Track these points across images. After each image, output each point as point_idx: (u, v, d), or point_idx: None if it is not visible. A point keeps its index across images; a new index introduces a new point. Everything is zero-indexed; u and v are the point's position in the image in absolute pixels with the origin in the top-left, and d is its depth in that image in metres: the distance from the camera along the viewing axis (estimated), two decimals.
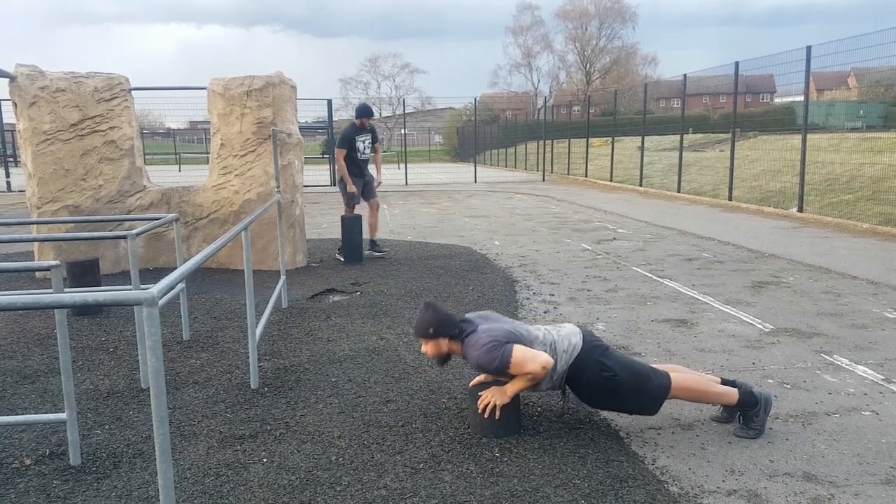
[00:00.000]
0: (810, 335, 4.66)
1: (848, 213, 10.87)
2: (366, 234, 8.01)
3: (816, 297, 5.74)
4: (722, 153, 18.96)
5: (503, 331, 3.08)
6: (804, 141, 11.56)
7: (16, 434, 3.21)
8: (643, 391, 3.07)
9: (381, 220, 11.83)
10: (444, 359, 3.22)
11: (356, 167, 7.88)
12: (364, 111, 7.89)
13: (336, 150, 7.88)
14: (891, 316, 5.12)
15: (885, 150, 13.07)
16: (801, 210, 11.54)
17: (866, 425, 3.20)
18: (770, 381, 3.79)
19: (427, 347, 3.19)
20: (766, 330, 4.81)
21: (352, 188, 7.84)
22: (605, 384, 3.06)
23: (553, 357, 3.07)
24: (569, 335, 3.16)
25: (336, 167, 7.72)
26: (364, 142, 7.83)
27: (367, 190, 8.05)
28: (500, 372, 3.05)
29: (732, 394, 3.10)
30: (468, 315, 3.31)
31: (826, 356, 4.21)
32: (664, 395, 3.09)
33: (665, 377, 3.10)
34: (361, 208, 8.05)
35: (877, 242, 8.69)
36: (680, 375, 3.15)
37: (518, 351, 2.99)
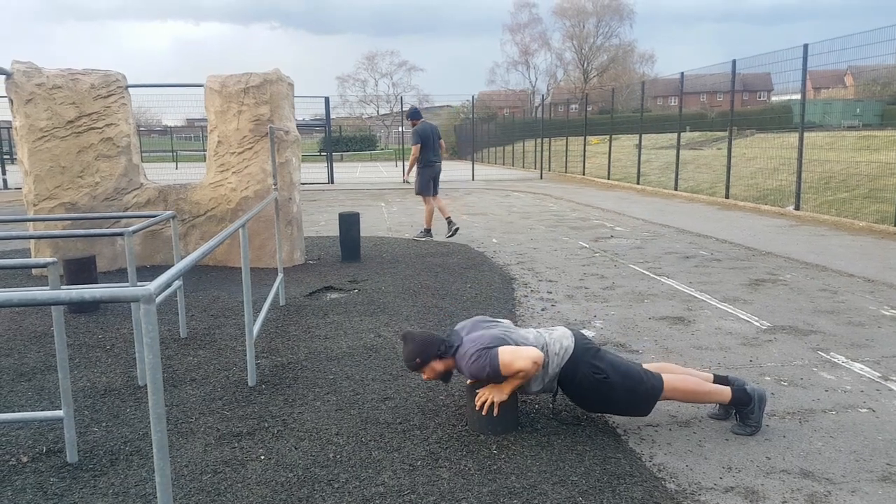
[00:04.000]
0: (807, 333, 4.67)
1: (844, 211, 10.89)
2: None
3: (813, 295, 5.75)
4: (719, 151, 18.99)
5: (490, 336, 3.08)
6: (801, 139, 11.57)
7: (12, 431, 3.20)
8: (635, 393, 3.08)
9: (379, 219, 11.82)
10: (445, 377, 3.23)
11: None
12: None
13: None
14: (887, 313, 5.14)
15: (881, 148, 13.11)
16: (797, 208, 11.56)
17: (863, 422, 3.21)
18: (767, 378, 3.80)
19: (425, 375, 3.21)
20: (763, 327, 4.82)
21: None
22: (597, 386, 3.06)
23: (545, 359, 3.08)
24: (560, 338, 3.17)
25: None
26: None
27: None
28: (495, 378, 3.05)
29: (725, 392, 3.11)
30: (458, 325, 3.32)
31: (823, 353, 4.22)
32: (656, 397, 3.10)
33: (657, 379, 3.11)
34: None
35: (873, 240, 8.71)
36: (672, 377, 3.15)
37: (504, 353, 2.99)
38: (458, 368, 3.15)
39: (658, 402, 3.39)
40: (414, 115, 9.59)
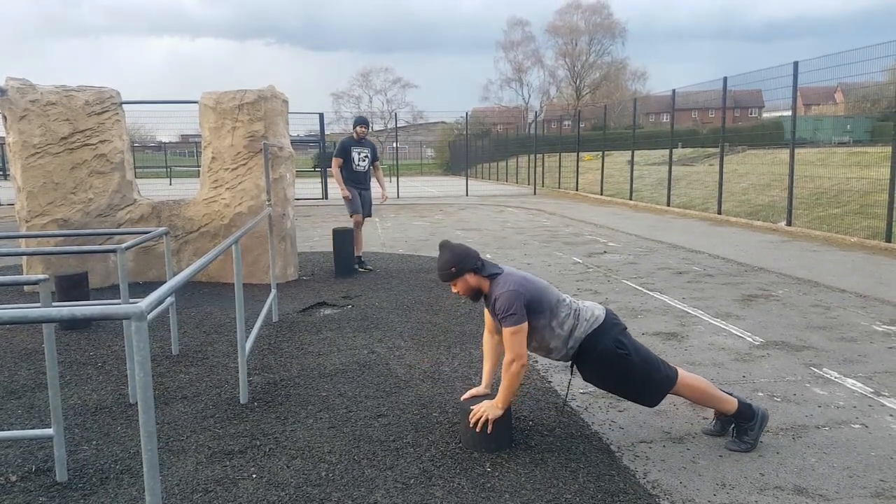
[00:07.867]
0: (800, 348, 4.69)
1: (836, 226, 10.96)
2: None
3: (805, 311, 5.77)
4: (711, 167, 19.11)
5: (535, 291, 3.09)
6: (792, 155, 11.68)
7: (1, 450, 3.17)
8: (650, 378, 3.10)
9: (373, 234, 11.83)
10: (475, 294, 3.20)
11: (352, 178, 7.96)
12: (358, 120, 8.06)
13: (333, 159, 7.99)
14: (879, 329, 5.16)
15: (871, 165, 13.21)
16: (789, 224, 11.63)
17: (856, 438, 3.21)
18: (760, 394, 3.80)
19: (456, 287, 3.19)
20: (756, 343, 4.83)
21: (345, 192, 7.93)
22: (617, 361, 3.07)
23: (575, 322, 3.11)
24: (593, 307, 3.22)
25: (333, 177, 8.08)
26: (360, 153, 7.91)
27: (363, 203, 8.11)
28: (497, 319, 3.09)
29: (732, 401, 3.14)
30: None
31: (815, 369, 4.23)
32: (668, 388, 3.12)
33: (673, 371, 3.15)
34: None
35: (865, 256, 8.76)
36: (686, 373, 3.20)
37: (523, 330, 3.01)
38: (490, 291, 3.13)
39: (656, 413, 3.40)
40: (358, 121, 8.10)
